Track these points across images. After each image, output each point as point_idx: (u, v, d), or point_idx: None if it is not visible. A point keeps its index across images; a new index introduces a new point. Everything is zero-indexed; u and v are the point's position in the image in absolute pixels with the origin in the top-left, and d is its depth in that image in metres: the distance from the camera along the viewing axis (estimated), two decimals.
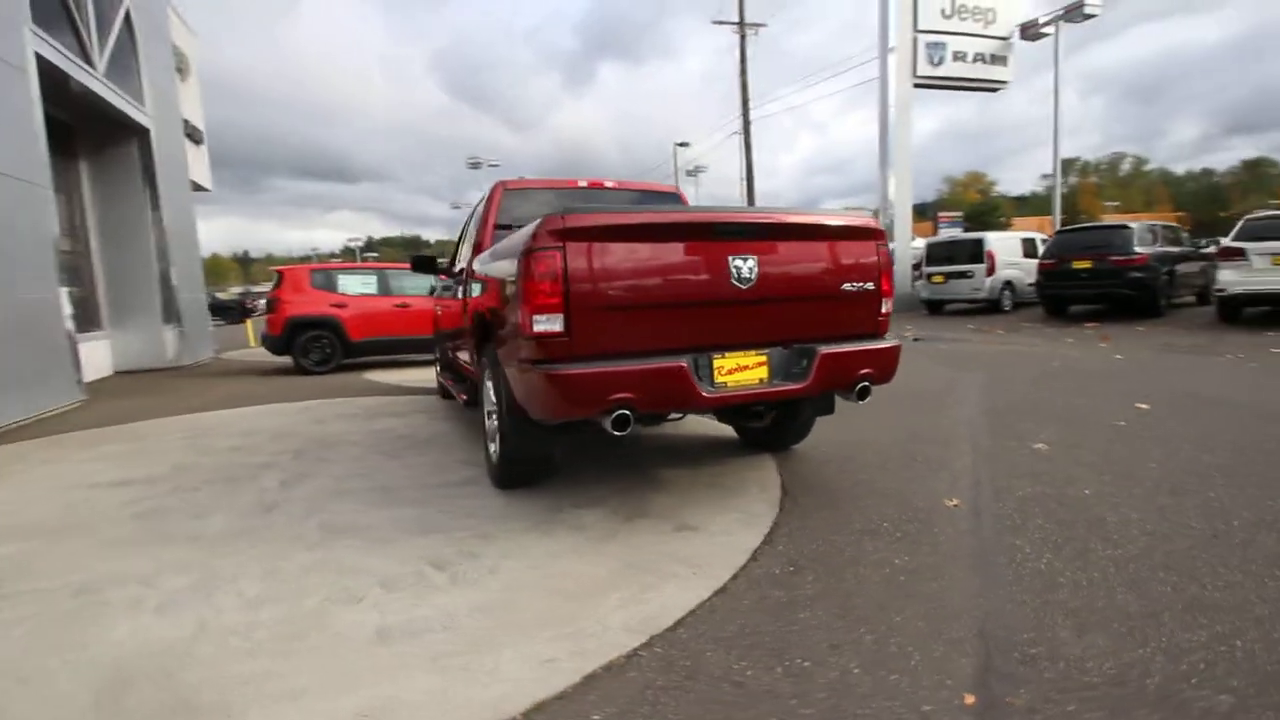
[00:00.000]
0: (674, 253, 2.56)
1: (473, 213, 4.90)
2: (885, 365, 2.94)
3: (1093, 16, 15.09)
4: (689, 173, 33.55)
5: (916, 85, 15.91)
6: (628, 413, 2.43)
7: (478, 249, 3.98)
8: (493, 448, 3.40)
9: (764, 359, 2.74)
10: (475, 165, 27.82)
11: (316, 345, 8.51)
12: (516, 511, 2.95)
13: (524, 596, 2.15)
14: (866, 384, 2.88)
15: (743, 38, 28.98)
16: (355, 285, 8.80)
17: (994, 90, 17.24)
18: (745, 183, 26.59)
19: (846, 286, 2.89)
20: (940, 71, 16.07)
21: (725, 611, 2.03)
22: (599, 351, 2.47)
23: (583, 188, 4.29)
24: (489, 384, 3.38)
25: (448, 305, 5.28)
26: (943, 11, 15.92)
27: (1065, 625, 1.87)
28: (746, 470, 3.48)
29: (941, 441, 3.91)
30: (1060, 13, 15.47)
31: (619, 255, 2.47)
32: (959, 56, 16.23)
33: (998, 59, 16.64)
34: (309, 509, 3.07)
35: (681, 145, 36.86)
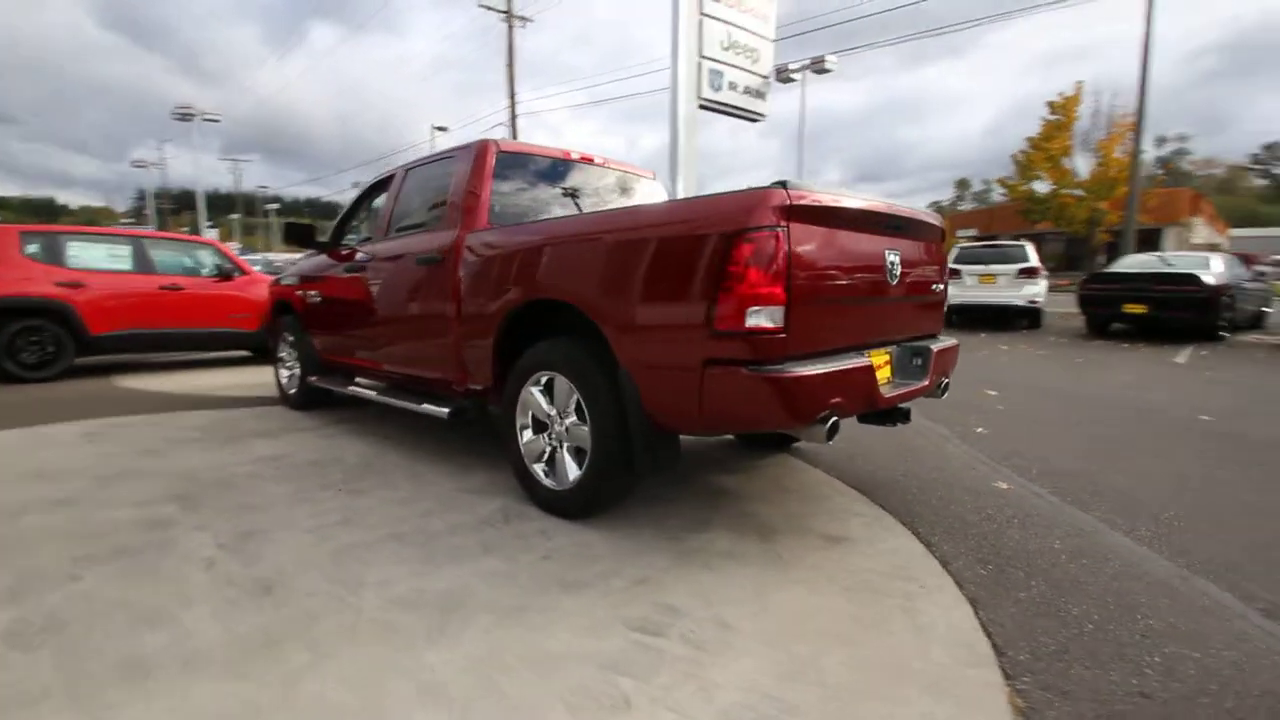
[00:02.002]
0: (860, 243, 2.35)
1: (400, 177, 3.89)
2: (956, 362, 3.12)
3: (830, 71, 18.21)
4: None
5: (701, 106, 17.29)
6: (838, 419, 2.16)
7: (464, 221, 3.16)
8: (540, 469, 2.76)
9: (888, 357, 2.68)
10: (185, 116, 21.92)
11: (34, 341, 5.89)
12: (631, 547, 2.41)
13: (802, 650, 1.76)
14: (948, 380, 3.02)
15: (510, 28, 28.38)
16: (98, 257, 6.31)
17: (755, 120, 19.48)
18: None
19: (936, 286, 2.99)
20: (719, 97, 17.62)
21: (1012, 624, 1.92)
22: (804, 351, 2.15)
23: (574, 160, 3.71)
24: (536, 393, 2.72)
25: (342, 291, 4.14)
26: (721, 44, 17.49)
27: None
28: (792, 473, 3.38)
29: (896, 431, 4.29)
30: (807, 63, 18.33)
31: (827, 241, 2.18)
32: (733, 86, 17.99)
33: (760, 94, 18.82)
34: (331, 581, 2.10)
35: (440, 129, 34.66)
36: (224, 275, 7.06)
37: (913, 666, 1.69)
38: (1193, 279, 8.93)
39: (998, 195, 35.37)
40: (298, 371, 4.87)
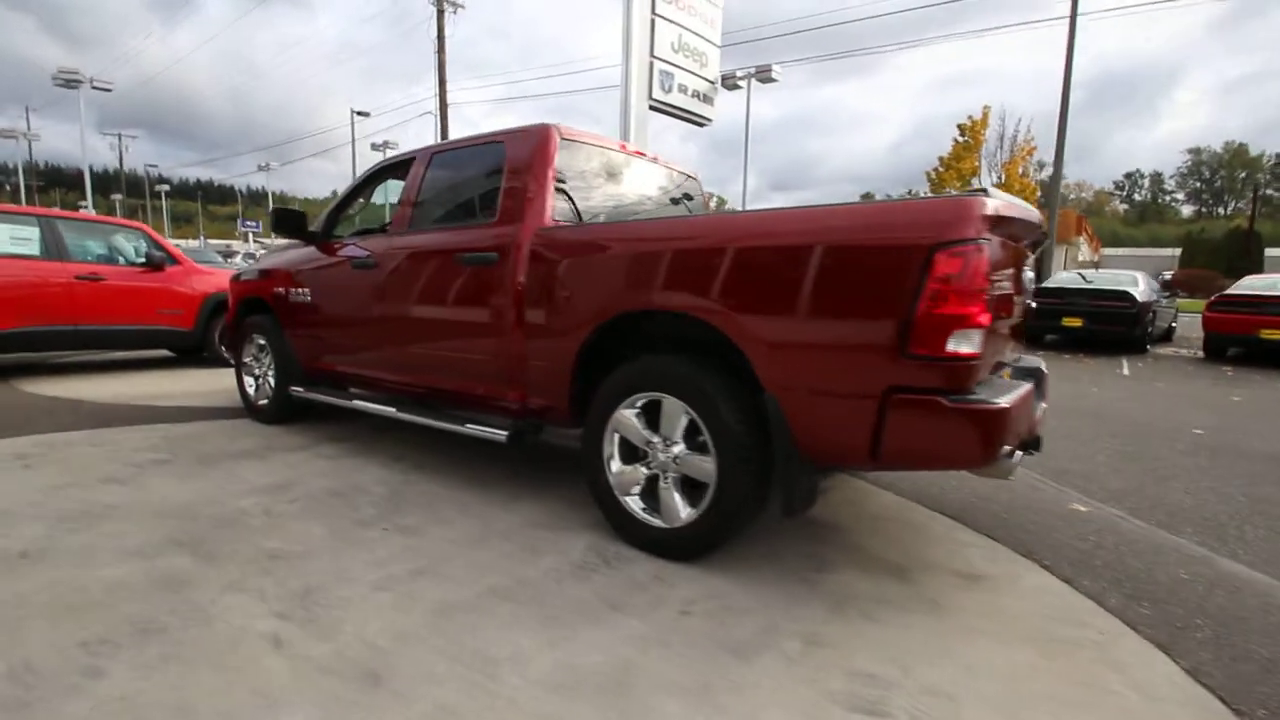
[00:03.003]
0: (1012, 256, 2.18)
1: (424, 161, 3.40)
2: None
3: (775, 80, 18.52)
4: (375, 146, 29.78)
5: (651, 107, 17.11)
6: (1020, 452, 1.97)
7: (525, 216, 2.76)
8: (635, 503, 2.42)
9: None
10: (69, 83, 19.07)
11: None
12: (769, 593, 2.13)
13: None
14: None
15: (440, 12, 27.26)
16: None
17: (702, 125, 19.56)
18: None
19: (1031, 301, 2.88)
20: (669, 99, 17.45)
21: (1218, 672, 1.79)
22: (982, 378, 1.95)
23: (627, 153, 3.37)
24: (631, 416, 2.39)
25: (345, 290, 3.60)
26: (672, 45, 17.32)
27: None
28: (867, 497, 3.20)
29: None
30: (753, 71, 18.56)
31: (1002, 255, 1.99)
32: (683, 89, 17.90)
33: (708, 98, 18.85)
34: (450, 659, 1.69)
35: (361, 114, 32.72)
36: (153, 265, 6.13)
37: None
38: (1126, 295, 9.62)
39: None
40: (271, 380, 4.23)
